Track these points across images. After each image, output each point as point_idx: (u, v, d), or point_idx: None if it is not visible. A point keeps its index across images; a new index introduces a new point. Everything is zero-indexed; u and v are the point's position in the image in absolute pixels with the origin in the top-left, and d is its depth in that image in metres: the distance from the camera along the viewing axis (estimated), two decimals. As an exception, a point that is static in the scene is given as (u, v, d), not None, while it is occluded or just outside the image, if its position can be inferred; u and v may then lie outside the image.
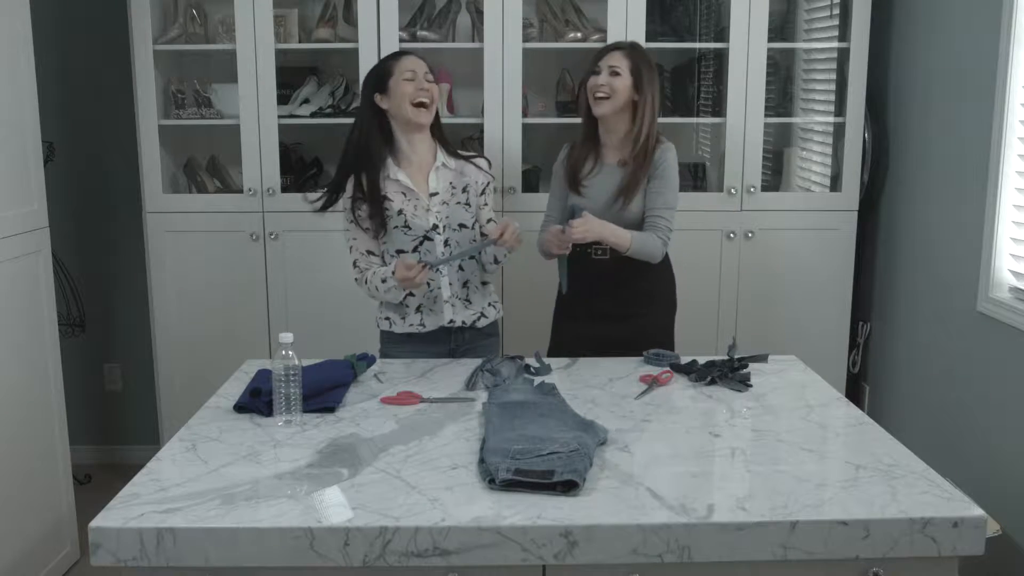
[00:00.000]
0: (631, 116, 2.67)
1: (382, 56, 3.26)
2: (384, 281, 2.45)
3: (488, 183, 2.65)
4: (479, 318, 2.59)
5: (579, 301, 2.76)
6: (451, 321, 2.55)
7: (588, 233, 2.51)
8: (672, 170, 2.69)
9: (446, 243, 2.53)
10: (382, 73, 2.53)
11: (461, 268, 2.57)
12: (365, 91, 2.57)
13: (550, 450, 1.70)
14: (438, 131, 2.61)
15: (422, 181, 2.54)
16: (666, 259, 2.80)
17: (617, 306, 2.72)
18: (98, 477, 3.76)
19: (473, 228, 2.58)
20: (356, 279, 2.55)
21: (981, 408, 2.82)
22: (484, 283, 2.65)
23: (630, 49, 2.70)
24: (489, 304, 2.64)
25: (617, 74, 2.63)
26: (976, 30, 2.86)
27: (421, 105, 2.49)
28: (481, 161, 2.67)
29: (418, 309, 2.55)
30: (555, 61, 3.53)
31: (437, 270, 2.49)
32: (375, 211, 2.48)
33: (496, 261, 2.57)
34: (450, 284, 2.55)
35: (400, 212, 2.49)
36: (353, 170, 2.52)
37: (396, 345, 2.58)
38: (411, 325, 2.55)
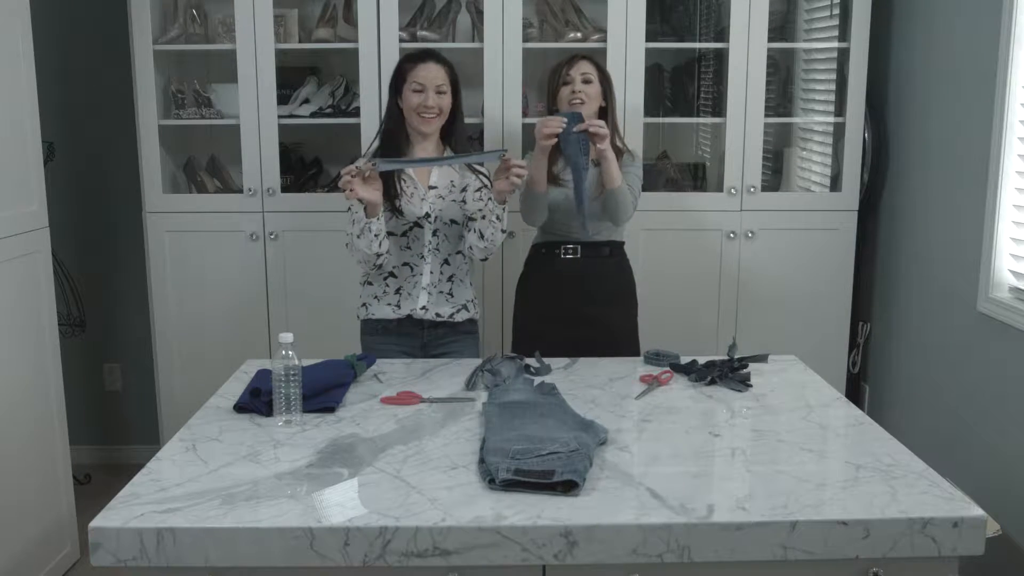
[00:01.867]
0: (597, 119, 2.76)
1: (382, 56, 3.28)
2: (360, 231, 2.47)
3: (483, 187, 2.65)
4: (459, 310, 2.64)
5: (543, 304, 2.78)
6: (423, 308, 2.58)
7: (605, 131, 2.56)
8: (640, 168, 2.82)
9: (435, 233, 2.60)
10: (399, 75, 2.60)
11: (447, 262, 2.63)
12: (391, 87, 2.65)
13: (550, 450, 1.70)
14: (449, 134, 2.67)
15: (424, 174, 2.62)
16: (627, 258, 2.87)
17: (584, 305, 2.74)
18: (98, 477, 3.76)
19: (463, 225, 2.63)
20: (347, 244, 2.58)
21: (981, 408, 2.82)
22: (469, 281, 2.69)
23: (590, 57, 2.79)
24: (470, 300, 2.69)
25: (589, 81, 2.74)
26: (976, 30, 2.86)
27: (426, 116, 2.56)
28: (484, 175, 2.69)
29: (397, 291, 2.62)
30: (555, 61, 3.52)
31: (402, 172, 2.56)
32: (386, 202, 2.54)
33: (482, 237, 2.56)
34: (431, 273, 2.60)
35: (398, 196, 2.57)
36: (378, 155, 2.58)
37: (371, 336, 2.65)
38: (388, 305, 2.62)
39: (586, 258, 2.74)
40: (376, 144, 2.67)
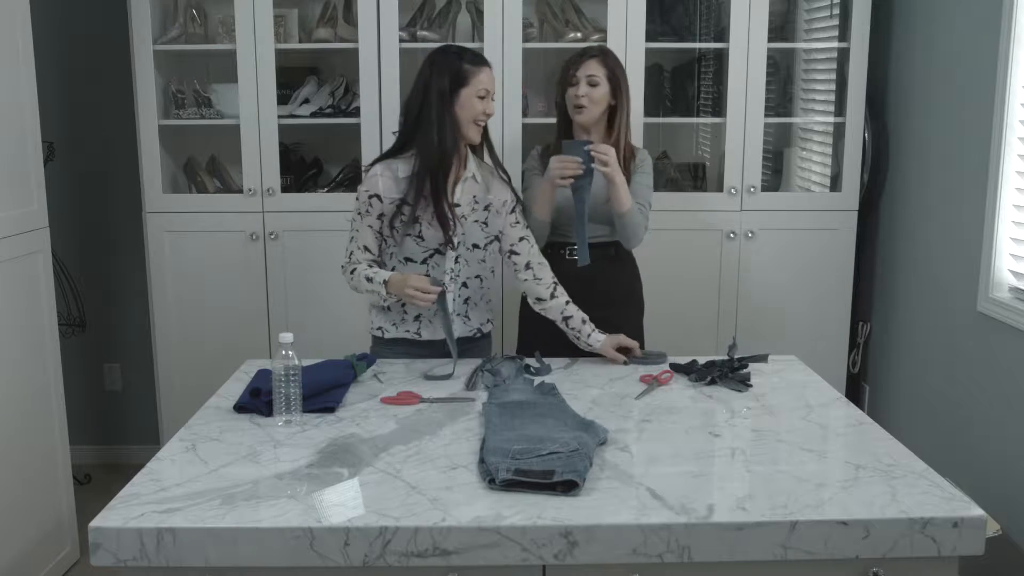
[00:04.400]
0: (608, 120, 2.72)
1: (382, 56, 3.28)
2: (369, 280, 2.38)
3: (516, 203, 2.55)
4: (475, 333, 2.57)
5: None
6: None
7: (612, 160, 2.49)
8: (651, 174, 2.76)
9: (456, 260, 2.47)
10: (460, 76, 2.37)
11: (465, 285, 2.52)
12: (437, 83, 2.37)
13: (550, 450, 1.70)
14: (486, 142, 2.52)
15: (449, 188, 2.44)
16: (633, 258, 2.84)
17: (590, 308, 2.72)
18: (98, 477, 3.76)
19: (485, 248, 2.52)
20: (343, 266, 2.49)
21: (981, 408, 2.82)
22: (484, 303, 2.59)
23: (603, 55, 2.70)
24: (487, 320, 2.61)
25: (595, 84, 2.65)
26: (976, 30, 2.86)
27: (480, 124, 2.43)
28: (504, 182, 2.57)
29: (416, 318, 2.50)
30: (555, 61, 3.52)
31: (442, 301, 2.38)
32: (412, 223, 2.41)
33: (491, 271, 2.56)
34: (453, 300, 2.49)
35: (417, 220, 2.40)
36: (424, 176, 2.38)
37: (387, 347, 2.54)
38: (407, 332, 2.51)
39: (591, 260, 2.72)
40: (417, 164, 2.39)
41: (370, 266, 2.45)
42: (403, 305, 2.49)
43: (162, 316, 3.45)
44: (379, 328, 2.55)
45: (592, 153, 2.48)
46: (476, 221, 2.49)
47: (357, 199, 2.47)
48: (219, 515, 1.52)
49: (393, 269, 2.48)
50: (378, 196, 2.42)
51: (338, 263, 3.35)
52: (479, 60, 2.43)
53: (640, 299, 2.87)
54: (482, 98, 2.39)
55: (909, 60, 3.33)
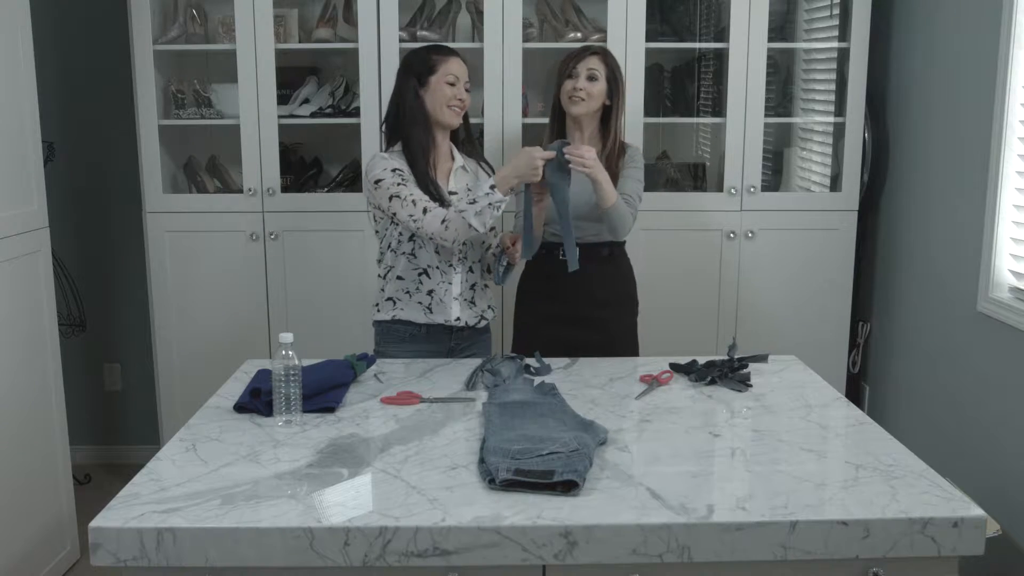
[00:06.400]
0: (601, 119, 2.74)
1: (382, 56, 3.28)
2: (474, 202, 2.35)
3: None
4: (479, 320, 2.62)
5: (543, 304, 2.77)
6: (457, 319, 2.55)
7: (592, 161, 2.45)
8: (641, 167, 2.77)
9: (464, 242, 2.54)
10: (427, 66, 2.51)
11: (471, 270, 2.60)
12: (407, 80, 2.52)
13: (550, 450, 1.70)
14: (463, 132, 2.63)
15: (443, 179, 2.56)
16: (627, 259, 2.85)
17: (582, 308, 2.72)
18: (98, 477, 3.76)
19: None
20: (423, 212, 2.40)
21: (981, 408, 2.82)
22: (485, 286, 2.68)
23: (604, 54, 2.74)
24: (488, 307, 2.67)
25: (594, 79, 2.68)
26: (976, 30, 2.86)
27: (455, 109, 2.52)
28: (487, 174, 2.67)
29: (429, 293, 2.54)
30: (555, 61, 3.52)
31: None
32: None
33: (503, 275, 2.59)
34: (462, 283, 2.57)
35: None
36: (409, 163, 2.50)
37: (397, 344, 2.57)
38: (419, 303, 2.53)
39: (583, 260, 2.72)
40: (395, 145, 2.54)
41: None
42: (420, 274, 2.52)
43: (162, 316, 3.45)
44: (389, 299, 2.55)
45: (567, 155, 2.42)
46: None
47: (380, 182, 2.44)
48: (219, 515, 1.52)
49: (403, 254, 2.52)
50: (400, 170, 2.48)
51: (339, 262, 3.37)
52: (447, 51, 2.56)
53: (634, 299, 2.88)
54: (452, 84, 2.50)
55: (909, 60, 3.33)
